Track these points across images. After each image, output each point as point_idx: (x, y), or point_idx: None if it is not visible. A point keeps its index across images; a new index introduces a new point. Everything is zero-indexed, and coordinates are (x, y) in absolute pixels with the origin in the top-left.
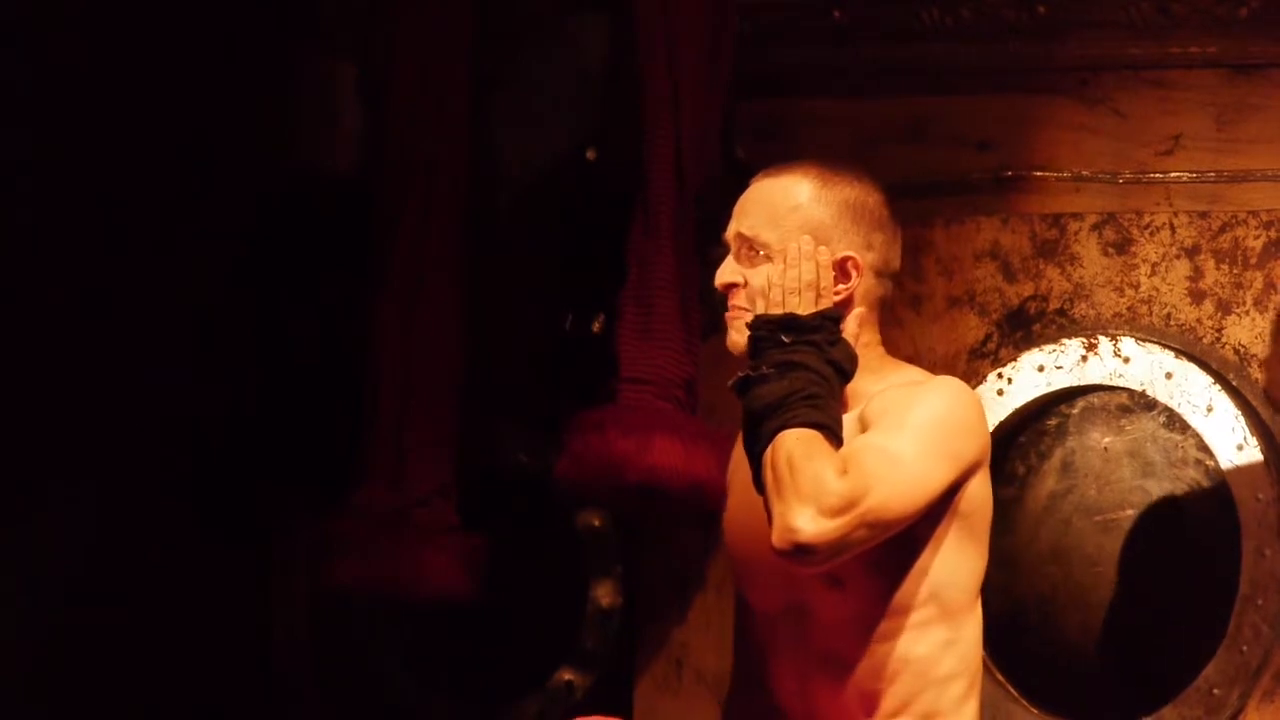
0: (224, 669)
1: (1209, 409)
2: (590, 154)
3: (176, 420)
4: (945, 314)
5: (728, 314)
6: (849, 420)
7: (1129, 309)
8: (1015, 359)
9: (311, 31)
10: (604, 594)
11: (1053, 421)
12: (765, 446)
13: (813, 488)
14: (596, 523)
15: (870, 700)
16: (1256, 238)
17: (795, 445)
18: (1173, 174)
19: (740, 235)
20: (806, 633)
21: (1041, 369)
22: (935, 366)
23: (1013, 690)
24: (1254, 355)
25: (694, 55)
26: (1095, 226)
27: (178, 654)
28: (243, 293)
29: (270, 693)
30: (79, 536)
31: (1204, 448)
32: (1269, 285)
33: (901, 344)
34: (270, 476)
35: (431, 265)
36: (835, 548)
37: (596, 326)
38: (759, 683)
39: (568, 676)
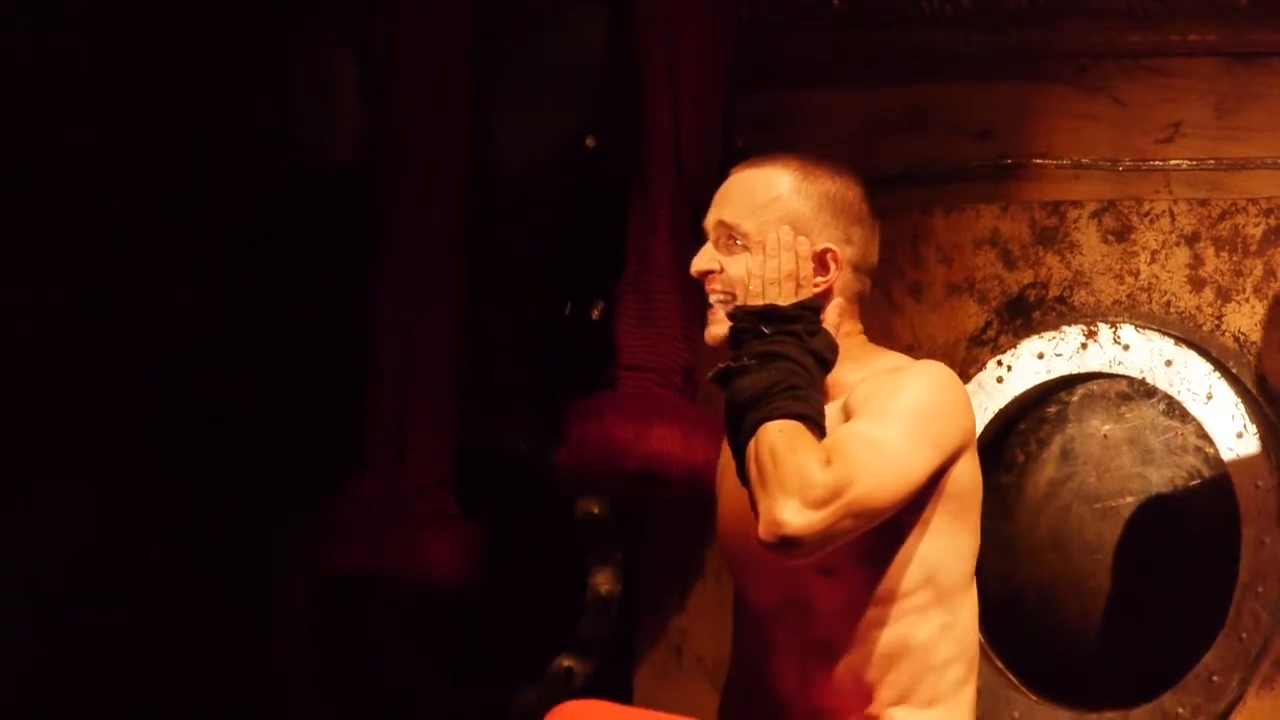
0: (224, 669)
1: (1209, 396)
2: (590, 142)
3: (176, 420)
4: (945, 301)
5: (709, 310)
6: (832, 410)
7: (1129, 296)
8: (1015, 346)
9: (311, 31)
10: (603, 581)
11: (1052, 409)
12: (748, 439)
13: (797, 479)
14: (596, 510)
15: (870, 689)
16: (1256, 225)
17: (778, 437)
18: (1172, 161)
19: (721, 223)
20: (805, 625)
21: (1041, 356)
22: (935, 353)
23: (1012, 677)
24: (1254, 343)
25: (694, 45)
26: (1095, 214)
27: (178, 654)
28: (243, 293)
29: (270, 693)
30: (79, 536)
31: (1204, 435)
32: (1269, 273)
33: (901, 331)
34: (270, 476)
35: (432, 255)
36: (822, 538)
37: (596, 314)
38: (759, 679)
39: (568, 663)
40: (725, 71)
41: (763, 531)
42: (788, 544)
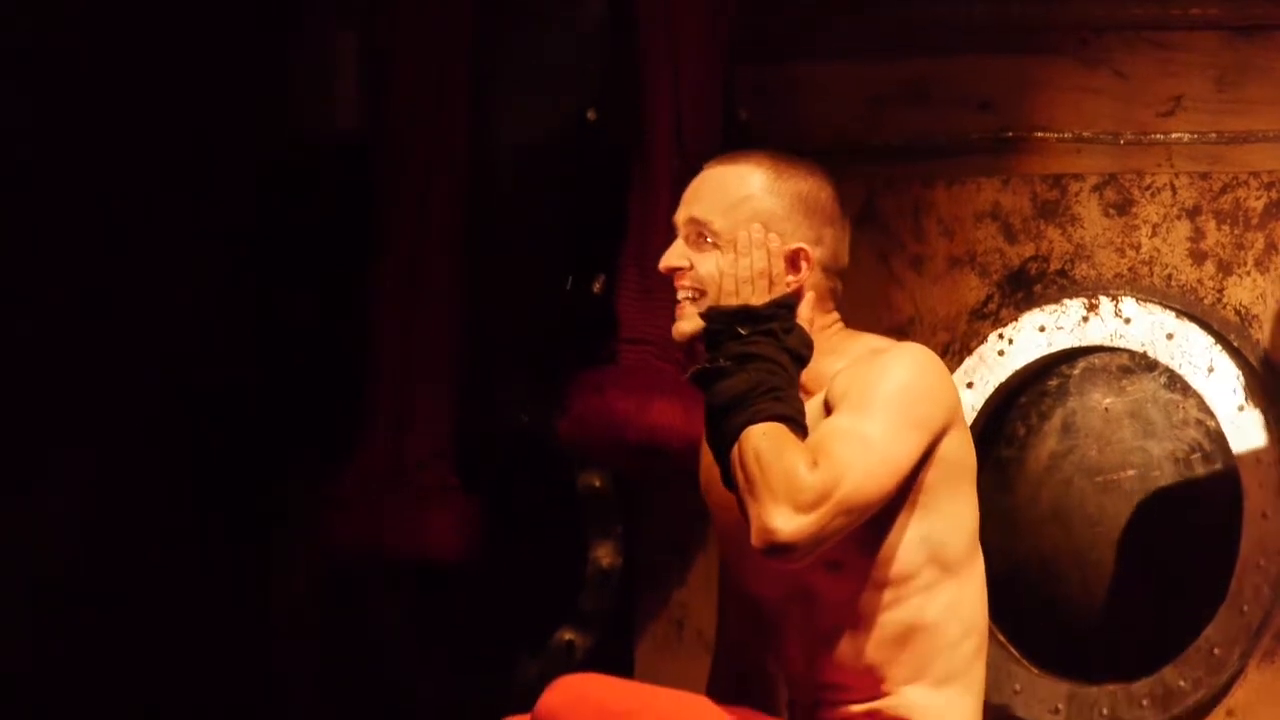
0: (224, 669)
1: (1210, 370)
2: (591, 114)
3: (176, 419)
4: (946, 275)
5: (678, 306)
6: (813, 404)
7: (1130, 270)
8: (1016, 319)
9: (312, 29)
10: (604, 555)
11: (1053, 382)
12: (731, 443)
13: (785, 484)
14: (597, 484)
15: (882, 670)
16: (1258, 198)
17: (763, 441)
18: (1174, 135)
19: (692, 220)
20: (811, 616)
21: (1042, 329)
22: (936, 327)
23: (1014, 650)
24: (1255, 316)
25: (694, 16)
26: (1096, 187)
27: (178, 653)
28: (243, 293)
29: (270, 693)
30: (79, 536)
31: (1205, 409)
32: (1270, 246)
33: (902, 304)
34: (270, 476)
35: (432, 255)
36: (816, 540)
37: (597, 287)
38: (755, 661)
39: (568, 637)
40: (726, 42)
41: (756, 539)
42: (782, 550)
